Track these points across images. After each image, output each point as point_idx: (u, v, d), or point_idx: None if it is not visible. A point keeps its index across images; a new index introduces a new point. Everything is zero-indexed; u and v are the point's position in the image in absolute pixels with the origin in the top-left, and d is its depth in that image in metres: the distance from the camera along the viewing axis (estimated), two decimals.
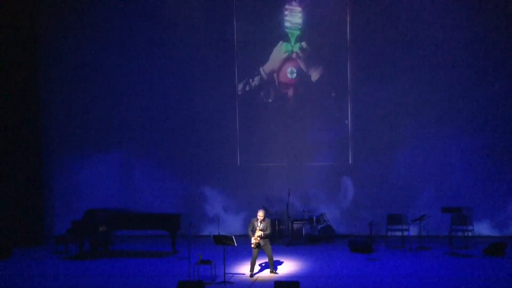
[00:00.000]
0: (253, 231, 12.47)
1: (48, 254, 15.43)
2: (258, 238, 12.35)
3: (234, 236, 12.22)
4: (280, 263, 13.61)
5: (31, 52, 17.06)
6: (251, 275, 12.45)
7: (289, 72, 17.37)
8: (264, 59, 17.45)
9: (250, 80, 17.52)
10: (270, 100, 17.52)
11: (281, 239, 16.26)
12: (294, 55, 17.33)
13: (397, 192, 16.62)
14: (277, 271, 12.76)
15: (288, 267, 13.34)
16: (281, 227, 16.50)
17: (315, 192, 17.09)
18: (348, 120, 17.06)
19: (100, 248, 15.16)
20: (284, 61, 17.40)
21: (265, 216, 12.57)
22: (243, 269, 13.02)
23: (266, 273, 12.77)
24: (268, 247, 12.52)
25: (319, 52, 17.18)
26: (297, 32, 17.26)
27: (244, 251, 13.68)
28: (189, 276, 11.95)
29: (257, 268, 12.86)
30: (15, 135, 16.71)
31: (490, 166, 16.22)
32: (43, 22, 17.70)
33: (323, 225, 16.33)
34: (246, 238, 12.98)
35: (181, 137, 17.64)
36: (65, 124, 17.99)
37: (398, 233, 15.50)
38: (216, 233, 13.39)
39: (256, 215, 12.56)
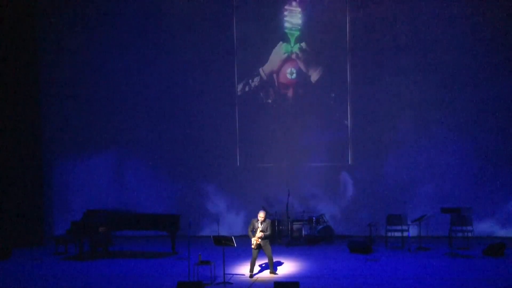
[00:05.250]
0: (253, 232, 12.48)
1: (48, 255, 15.42)
2: (259, 239, 12.35)
3: (234, 236, 12.23)
4: (280, 263, 13.61)
5: (31, 51, 17.05)
6: (251, 276, 12.46)
7: (289, 73, 17.37)
8: (264, 60, 17.45)
9: (250, 80, 17.53)
10: (269, 101, 17.52)
11: (281, 240, 16.26)
12: (293, 56, 17.33)
13: (397, 192, 16.61)
14: (276, 272, 12.76)
15: (287, 267, 13.35)
16: (280, 227, 16.49)
17: (314, 193, 17.08)
18: (347, 121, 17.06)
19: (100, 248, 15.16)
20: (284, 61, 17.40)
21: (266, 217, 12.57)
22: (243, 269, 13.02)
23: (266, 273, 12.77)
24: (268, 248, 12.52)
25: (318, 53, 17.18)
26: (297, 33, 17.26)
27: (244, 251, 13.68)
28: (189, 276, 11.96)
29: (256, 268, 12.86)
30: (15, 136, 16.69)
31: (490, 167, 16.20)
32: (43, 22, 17.70)
33: (322, 226, 16.33)
34: (246, 238, 12.98)
35: (180, 138, 17.63)
36: (64, 124, 17.97)
37: (398, 234, 15.49)
38: (216, 234, 13.39)
39: (255, 216, 12.58)
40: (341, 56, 17.00)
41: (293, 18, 17.24)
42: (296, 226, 16.41)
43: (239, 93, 17.56)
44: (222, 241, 12.13)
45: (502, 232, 16.12)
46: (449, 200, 16.07)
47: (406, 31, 16.58)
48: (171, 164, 17.68)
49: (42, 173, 17.42)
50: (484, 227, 16.13)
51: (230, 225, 17.23)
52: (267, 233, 12.42)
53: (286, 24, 17.27)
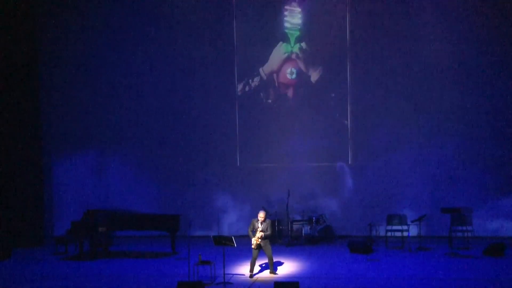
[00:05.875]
0: (253, 232, 12.47)
1: (48, 255, 15.43)
2: (259, 239, 12.35)
3: (234, 236, 12.23)
4: (280, 263, 13.60)
5: (31, 51, 17.04)
6: (251, 276, 12.46)
7: (289, 73, 17.37)
8: (264, 60, 17.45)
9: (250, 80, 17.52)
10: (269, 101, 17.51)
11: (281, 240, 16.26)
12: (293, 56, 17.33)
13: (397, 192, 16.61)
14: (276, 272, 12.76)
15: (287, 267, 13.34)
16: (280, 227, 16.49)
17: (314, 193, 17.08)
18: (347, 121, 17.06)
19: (100, 248, 15.15)
20: (284, 61, 17.39)
21: (266, 217, 12.57)
22: (243, 269, 13.02)
23: (266, 273, 12.77)
24: (268, 248, 12.52)
25: (318, 53, 17.18)
26: (297, 33, 17.26)
27: (244, 251, 13.67)
28: (189, 276, 11.95)
29: (257, 268, 12.86)
30: (15, 136, 16.69)
31: (490, 167, 16.20)
32: (43, 22, 17.69)
33: (322, 226, 16.33)
34: (246, 238, 12.98)
35: (181, 138, 17.64)
36: (65, 124, 17.98)
37: (398, 234, 15.48)
38: (216, 234, 13.39)
39: (255, 216, 12.57)
40: (341, 55, 17.00)
41: (293, 18, 17.23)
42: (296, 226, 16.42)
43: (239, 93, 17.55)
44: (222, 241, 12.12)
45: (502, 232, 16.11)
46: (449, 200, 16.06)
47: (407, 31, 16.57)
48: (171, 164, 17.68)
49: (42, 173, 17.42)
50: (484, 227, 16.12)
51: (230, 225, 17.23)
52: (267, 233, 12.41)
53: (286, 24, 17.26)
